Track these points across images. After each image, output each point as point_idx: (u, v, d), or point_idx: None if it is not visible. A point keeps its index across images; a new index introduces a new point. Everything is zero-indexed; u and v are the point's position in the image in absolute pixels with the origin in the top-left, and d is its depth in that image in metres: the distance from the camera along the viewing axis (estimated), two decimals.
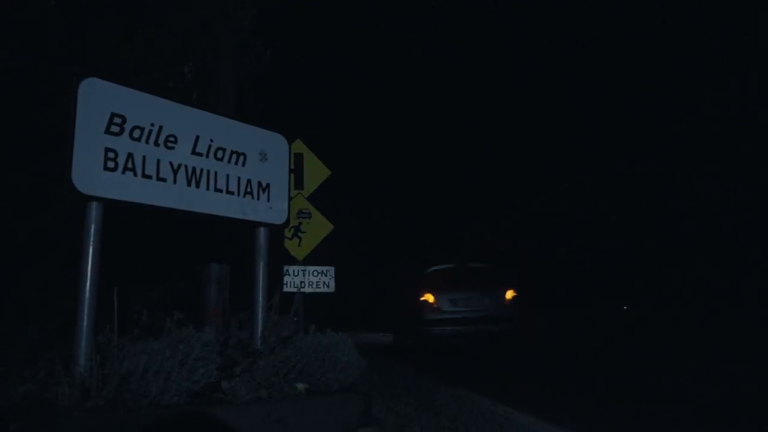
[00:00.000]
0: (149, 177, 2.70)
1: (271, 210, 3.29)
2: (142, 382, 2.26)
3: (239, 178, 3.13)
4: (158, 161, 2.75)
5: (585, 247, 25.88)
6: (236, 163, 3.12)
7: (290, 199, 3.47)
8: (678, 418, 3.62)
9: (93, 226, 2.46)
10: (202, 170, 2.93)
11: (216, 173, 3.00)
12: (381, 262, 26.97)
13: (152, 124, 2.74)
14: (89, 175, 2.48)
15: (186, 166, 2.86)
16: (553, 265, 26.46)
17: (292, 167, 4.41)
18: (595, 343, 10.51)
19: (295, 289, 5.97)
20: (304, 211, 5.98)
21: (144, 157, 2.69)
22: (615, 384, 5.27)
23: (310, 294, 6.14)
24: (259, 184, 3.23)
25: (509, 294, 8.88)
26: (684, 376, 5.59)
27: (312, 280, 6.11)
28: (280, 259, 5.91)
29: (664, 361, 7.10)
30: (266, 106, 6.53)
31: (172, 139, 2.82)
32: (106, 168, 2.54)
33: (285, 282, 5.97)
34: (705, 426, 3.43)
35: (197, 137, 2.94)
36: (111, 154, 2.57)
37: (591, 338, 11.94)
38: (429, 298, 8.60)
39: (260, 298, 3.20)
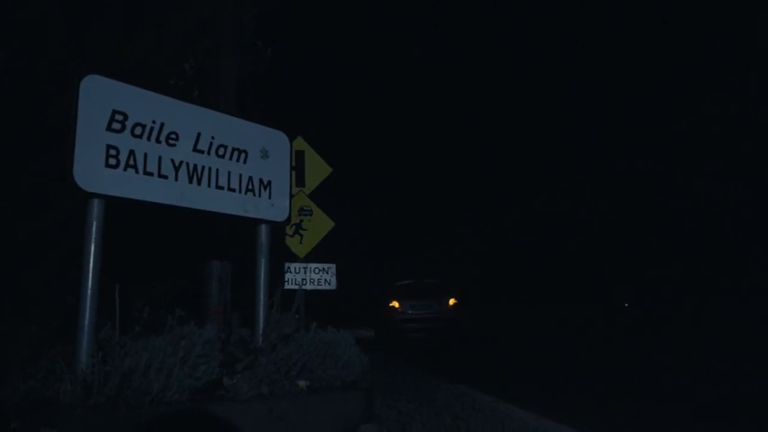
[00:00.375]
0: (151, 174, 2.71)
1: (273, 207, 3.29)
2: (143, 379, 2.26)
3: (241, 176, 3.13)
4: (160, 158, 2.75)
5: (585, 245, 25.87)
6: (238, 161, 3.12)
7: (291, 196, 3.47)
8: (678, 418, 3.62)
9: (95, 224, 2.47)
10: (203, 167, 2.94)
11: (217, 170, 3.00)
12: (382, 260, 26.99)
13: (154, 122, 2.75)
14: (91, 172, 2.48)
15: (187, 164, 2.87)
16: (553, 265, 26.46)
17: (294, 164, 4.41)
18: (595, 343, 10.51)
19: (296, 287, 5.96)
20: (305, 208, 5.97)
21: (145, 155, 2.69)
22: (615, 384, 5.26)
23: (312, 291, 6.12)
24: (261, 181, 3.24)
25: (452, 301, 12.12)
26: (684, 376, 5.59)
27: (313, 277, 6.10)
28: (281, 256, 5.89)
29: (664, 361, 7.10)
30: (267, 105, 6.52)
31: (173, 136, 2.82)
32: (107, 165, 2.54)
33: (286, 279, 5.96)
34: (705, 426, 3.43)
35: (198, 134, 2.94)
36: (113, 151, 2.57)
37: (591, 338, 11.93)
38: (396, 304, 11.90)
39: (262, 296, 3.21)
